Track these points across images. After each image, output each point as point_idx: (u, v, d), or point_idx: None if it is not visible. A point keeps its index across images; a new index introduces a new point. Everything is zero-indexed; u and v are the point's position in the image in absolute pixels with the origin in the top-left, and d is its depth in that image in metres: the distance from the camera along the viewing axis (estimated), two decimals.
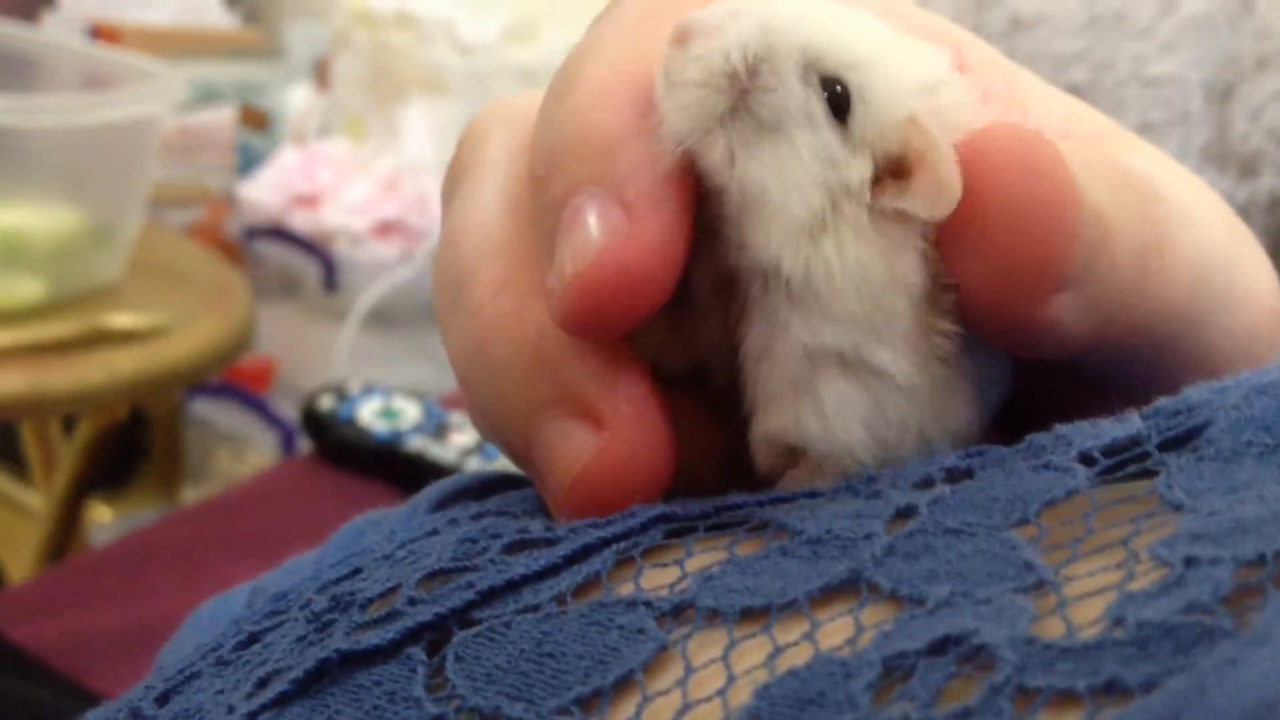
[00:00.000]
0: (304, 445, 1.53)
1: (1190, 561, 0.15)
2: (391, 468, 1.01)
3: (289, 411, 1.59)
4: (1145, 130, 0.98)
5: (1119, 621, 0.15)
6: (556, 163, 0.21)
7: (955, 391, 0.22)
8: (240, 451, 1.76)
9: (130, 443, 1.56)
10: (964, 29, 0.26)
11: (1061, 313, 0.20)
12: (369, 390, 1.08)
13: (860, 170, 0.21)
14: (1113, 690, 0.14)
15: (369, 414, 1.06)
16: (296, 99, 1.90)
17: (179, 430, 1.60)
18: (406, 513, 0.25)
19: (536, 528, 0.21)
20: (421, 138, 1.72)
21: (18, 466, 1.44)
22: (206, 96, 1.82)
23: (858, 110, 0.21)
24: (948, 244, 0.21)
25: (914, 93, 0.21)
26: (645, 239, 0.20)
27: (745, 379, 0.22)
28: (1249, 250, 0.25)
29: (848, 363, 0.21)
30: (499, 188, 0.23)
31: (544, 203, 0.21)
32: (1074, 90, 1.04)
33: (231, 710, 0.20)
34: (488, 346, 0.22)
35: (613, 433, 0.21)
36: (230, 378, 1.57)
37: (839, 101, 0.21)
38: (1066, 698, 0.14)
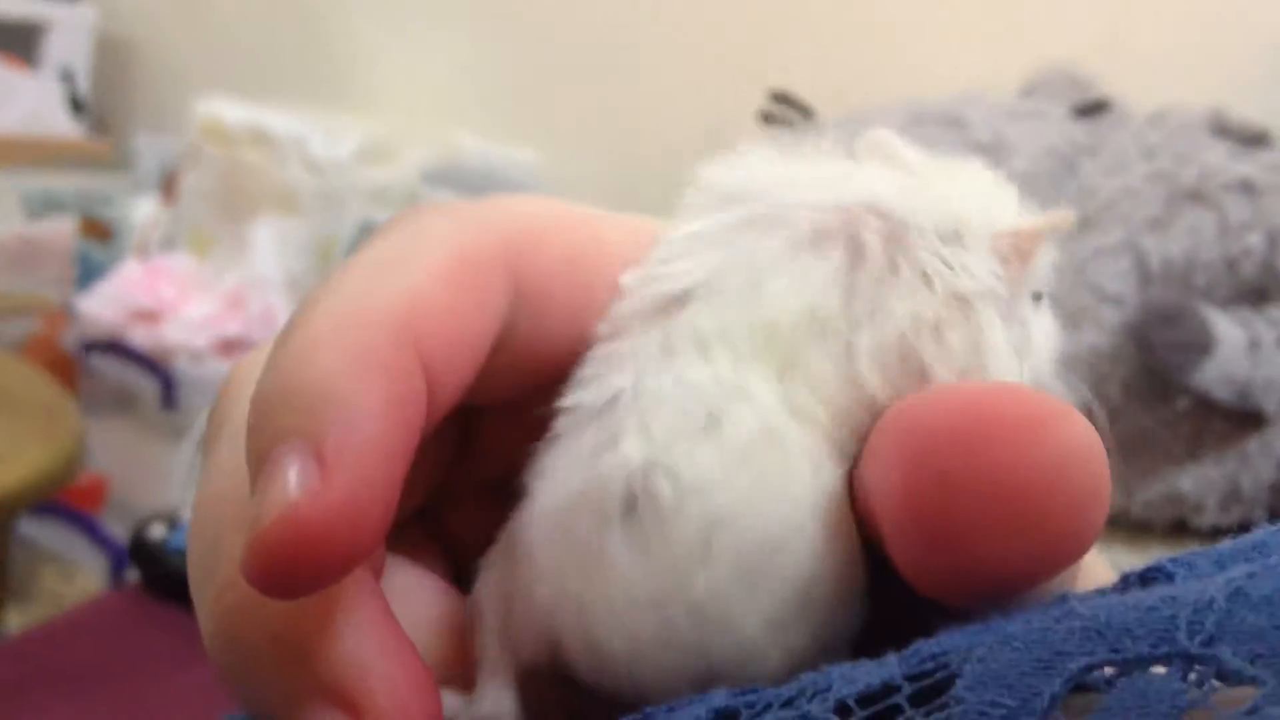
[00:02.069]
0: (132, 574, 1.49)
1: None
2: None
3: (122, 532, 1.55)
4: None
5: None
6: (265, 411, 0.20)
7: None
8: (68, 572, 1.69)
9: None
10: None
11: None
12: None
13: None
14: None
15: None
16: (142, 211, 1.87)
17: (3, 550, 1.54)
18: None
19: None
20: (270, 255, 1.70)
21: None
22: (47, 206, 1.78)
23: None
24: (951, 510, 0.20)
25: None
26: (335, 499, 0.19)
27: None
28: None
29: None
30: (243, 453, 0.21)
31: (251, 453, 0.20)
32: None
33: None
34: (236, 632, 0.21)
35: None
36: (59, 496, 1.52)
37: None
38: None
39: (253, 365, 0.23)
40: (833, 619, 0.21)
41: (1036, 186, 1.07)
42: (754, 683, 0.20)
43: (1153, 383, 0.94)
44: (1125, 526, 0.97)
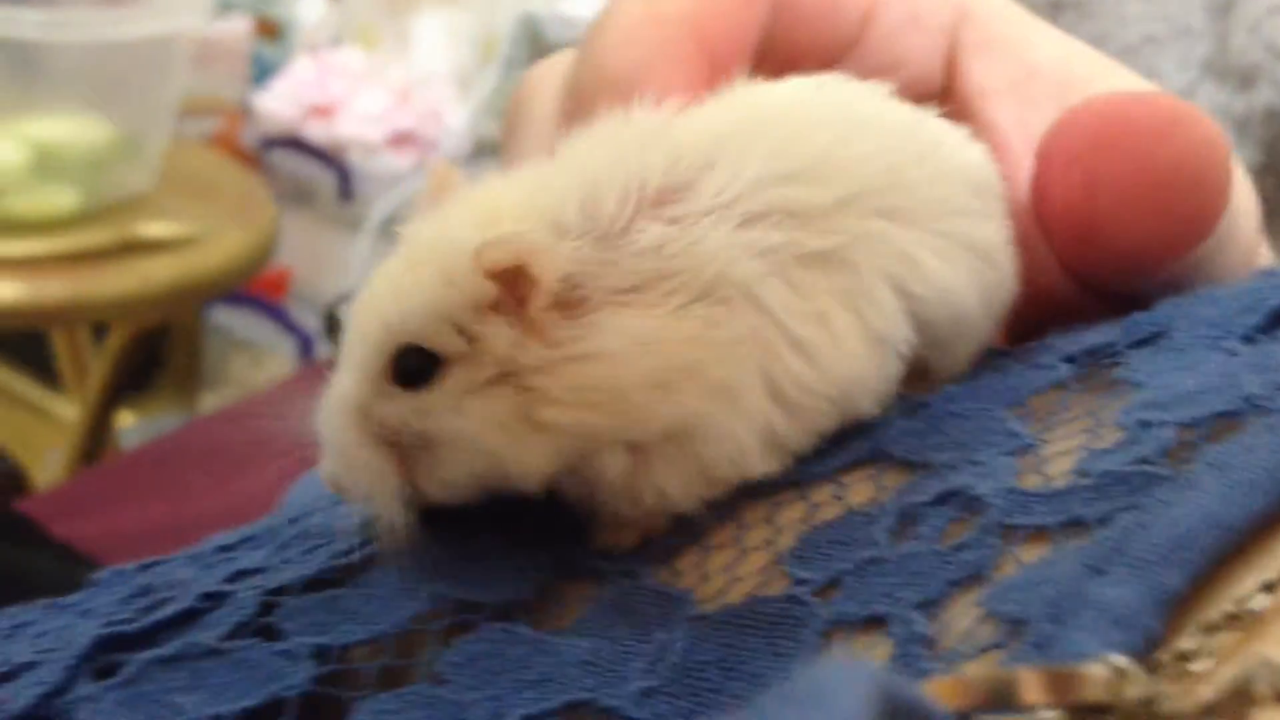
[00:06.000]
0: (322, 352, 1.57)
1: (1143, 424, 0.20)
2: None
3: (305, 319, 1.63)
4: (1148, 43, 1.00)
5: (1084, 473, 0.19)
6: (583, 97, 0.24)
7: None
8: (258, 358, 1.79)
9: (149, 348, 1.59)
10: None
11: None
12: None
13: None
14: (1076, 525, 0.18)
15: None
16: (310, 8, 1.91)
17: (198, 337, 1.63)
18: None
19: None
20: (434, 49, 1.73)
21: (44, 375, 1.47)
22: (222, 7, 1.83)
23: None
24: (1102, 198, 0.23)
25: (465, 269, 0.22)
26: None
27: None
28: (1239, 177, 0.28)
29: None
30: (542, 143, 0.25)
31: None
32: (1079, 5, 1.05)
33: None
34: None
35: None
36: (247, 286, 1.60)
37: (422, 366, 0.22)
38: (1040, 532, 0.19)
39: (549, 70, 0.27)
40: None
41: None
42: None
43: None
44: None
